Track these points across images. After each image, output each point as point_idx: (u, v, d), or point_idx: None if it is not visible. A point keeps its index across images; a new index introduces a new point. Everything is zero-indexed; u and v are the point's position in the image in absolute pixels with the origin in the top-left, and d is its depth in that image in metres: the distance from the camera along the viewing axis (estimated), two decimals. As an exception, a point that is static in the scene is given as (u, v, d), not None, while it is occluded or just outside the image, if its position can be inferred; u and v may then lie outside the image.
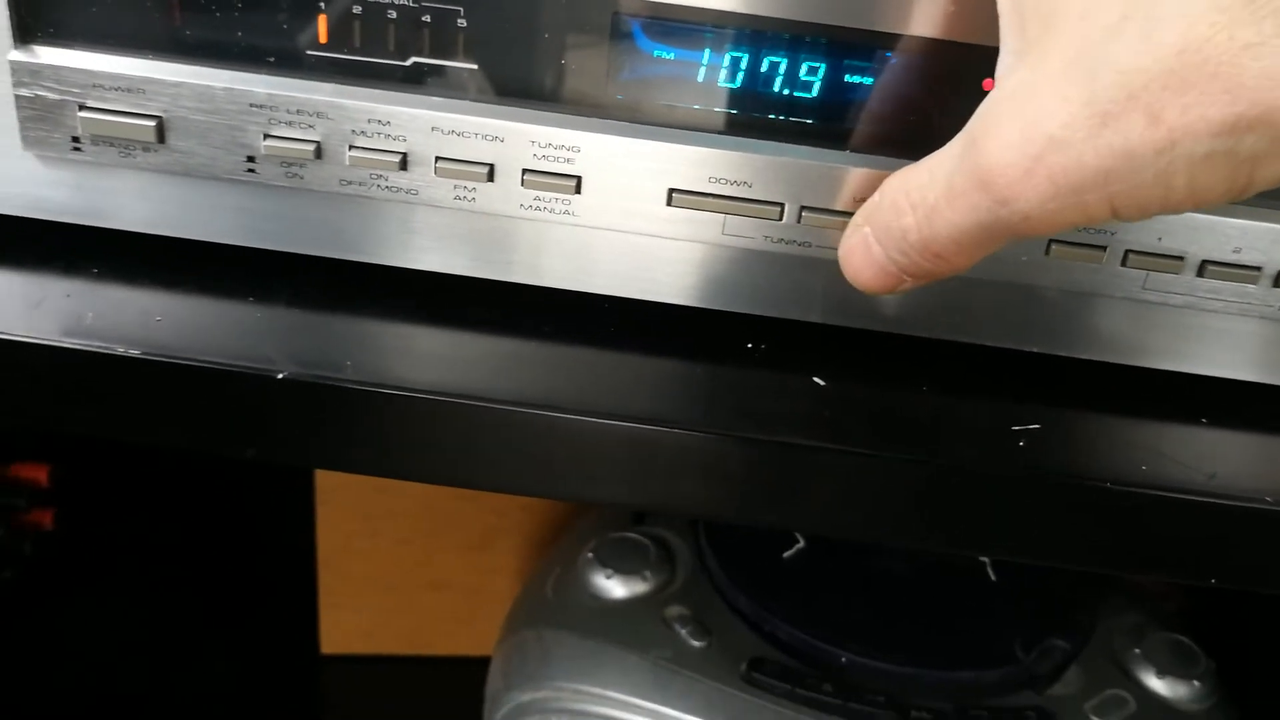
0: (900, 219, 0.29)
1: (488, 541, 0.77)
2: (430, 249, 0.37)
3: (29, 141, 0.35)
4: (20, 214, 0.37)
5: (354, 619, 0.81)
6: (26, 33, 0.34)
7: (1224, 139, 0.23)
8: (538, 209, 0.35)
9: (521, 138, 0.34)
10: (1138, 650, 0.57)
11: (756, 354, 0.37)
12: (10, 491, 0.68)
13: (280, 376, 0.33)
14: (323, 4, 0.33)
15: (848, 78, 0.34)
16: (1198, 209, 0.26)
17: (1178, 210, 0.25)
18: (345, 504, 0.76)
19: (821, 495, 0.35)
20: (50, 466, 0.69)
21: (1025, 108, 0.25)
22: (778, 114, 0.34)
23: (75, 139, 0.35)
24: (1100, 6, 0.24)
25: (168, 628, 0.79)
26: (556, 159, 0.34)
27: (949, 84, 0.33)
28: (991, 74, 0.32)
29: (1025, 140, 0.25)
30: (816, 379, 0.36)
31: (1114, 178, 0.24)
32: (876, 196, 0.30)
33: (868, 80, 0.33)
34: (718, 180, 0.34)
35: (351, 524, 0.77)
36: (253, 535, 0.79)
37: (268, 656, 0.84)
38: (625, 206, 0.35)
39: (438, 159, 0.34)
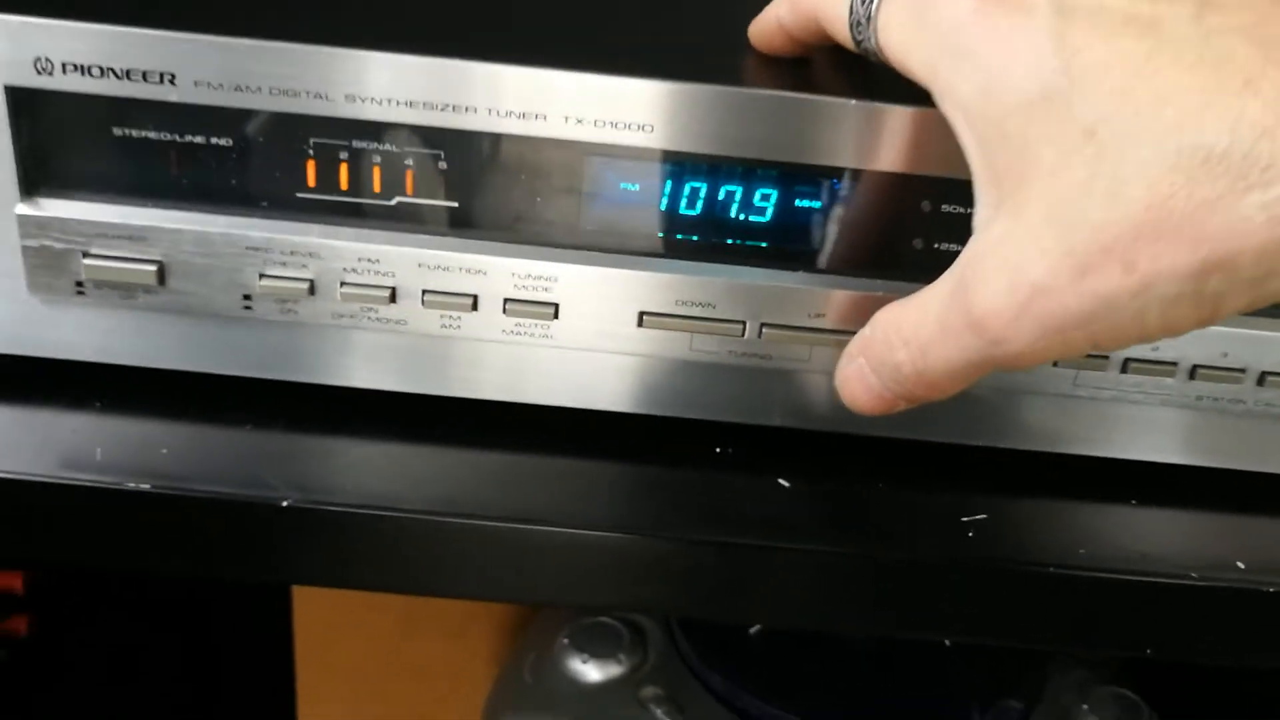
0: (894, 354, 0.32)
1: (464, 628, 0.79)
2: (417, 374, 0.39)
3: (35, 287, 0.37)
4: (25, 354, 0.39)
5: (333, 710, 0.82)
6: (32, 186, 0.36)
7: (1191, 282, 0.26)
8: (519, 334, 0.38)
9: (502, 270, 0.37)
10: (1085, 706, 0.60)
11: (725, 457, 0.40)
12: (-16, 599, 0.69)
13: (285, 504, 0.35)
14: (311, 150, 0.36)
15: (798, 203, 0.37)
16: (1170, 337, 0.29)
17: (1153, 340, 0.28)
18: (321, 596, 0.78)
19: (788, 590, 0.38)
20: (24, 574, 0.70)
21: (1010, 258, 0.28)
22: (736, 239, 0.37)
23: (79, 284, 0.37)
24: (1068, 165, 0.27)
25: (144, 727, 0.79)
26: (535, 288, 0.37)
27: (889, 209, 0.36)
28: (924, 200, 0.35)
29: (1013, 288, 0.28)
30: (781, 480, 0.39)
31: (1095, 318, 0.27)
32: (868, 330, 0.33)
33: (816, 205, 0.37)
34: (684, 303, 0.37)
35: (328, 615, 0.78)
36: (230, 629, 0.80)
37: (246, 751, 0.84)
38: (600, 329, 0.38)
39: (424, 292, 0.37)
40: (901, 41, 0.31)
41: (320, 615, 0.79)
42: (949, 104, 0.30)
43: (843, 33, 0.33)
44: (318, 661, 0.80)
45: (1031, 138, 0.27)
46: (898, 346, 0.31)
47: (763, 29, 0.37)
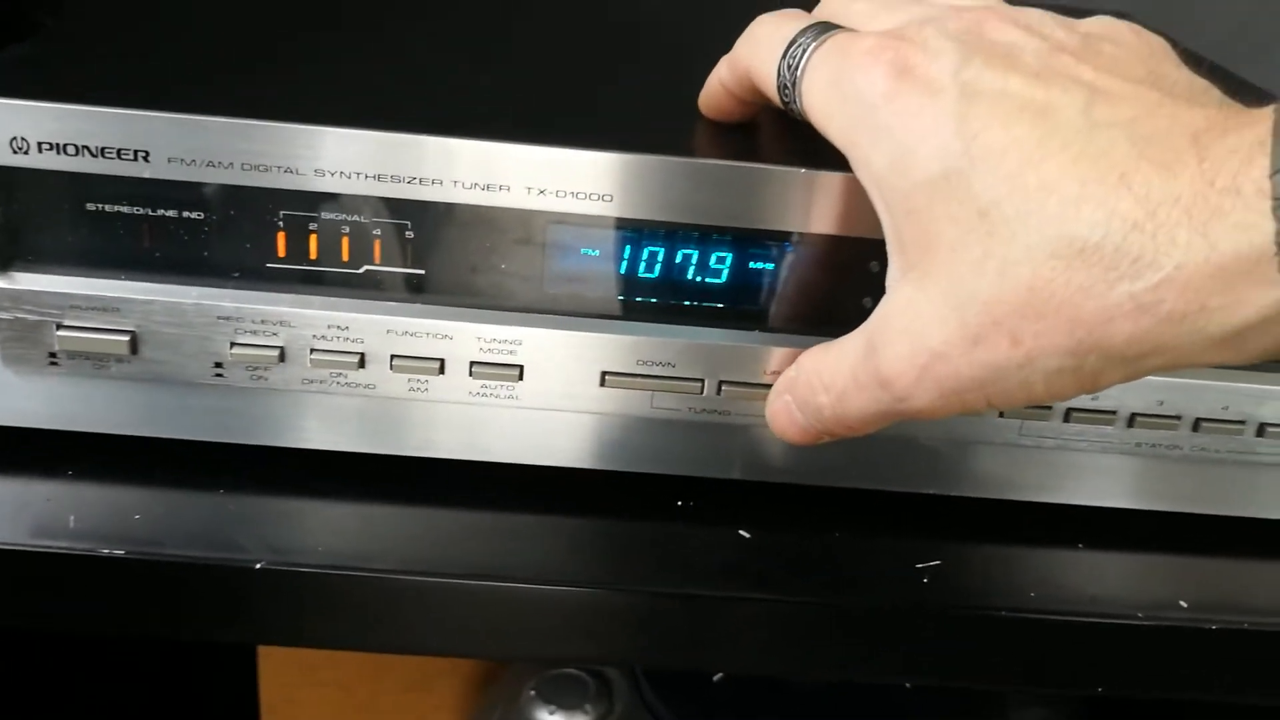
0: (815, 397, 0.34)
1: (428, 681, 0.79)
2: (385, 436, 0.40)
3: (8, 359, 0.38)
4: (-2, 423, 0.39)
5: (298, 767, 0.82)
6: (6, 260, 0.37)
7: (1070, 358, 0.28)
8: (485, 396, 0.39)
9: (468, 334, 0.38)
10: (1045, 744, 0.61)
11: (687, 510, 0.41)
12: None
13: (258, 566, 0.36)
14: (281, 222, 0.37)
15: (752, 265, 0.38)
16: (1058, 401, 0.31)
17: (1041, 403, 0.30)
18: (287, 654, 0.78)
19: (750, 639, 0.39)
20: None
21: (912, 325, 0.30)
22: (693, 300, 0.39)
23: (53, 354, 0.38)
24: (965, 243, 0.29)
25: (108, 791, 0.78)
26: (500, 351, 0.38)
27: (839, 270, 0.38)
28: (872, 261, 0.37)
29: (914, 353, 0.30)
30: (743, 531, 0.40)
31: (986, 384, 0.29)
32: (793, 371, 0.35)
33: (769, 268, 0.38)
34: (644, 362, 0.39)
35: (292, 673, 0.78)
36: (195, 686, 0.80)
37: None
38: (563, 389, 0.39)
39: (393, 357, 0.38)
40: (823, 109, 0.32)
41: (284, 673, 0.79)
42: (863, 173, 0.32)
43: (773, 94, 0.35)
44: (283, 717, 0.80)
45: (935, 214, 0.29)
46: (819, 390, 0.34)
47: (709, 93, 0.38)
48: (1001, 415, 0.40)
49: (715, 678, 0.61)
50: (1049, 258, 0.27)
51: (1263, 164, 0.26)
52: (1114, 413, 0.40)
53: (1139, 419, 0.40)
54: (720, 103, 0.38)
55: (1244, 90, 0.30)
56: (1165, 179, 0.26)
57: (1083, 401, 0.40)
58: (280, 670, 0.79)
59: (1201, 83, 0.30)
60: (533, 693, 0.59)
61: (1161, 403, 0.40)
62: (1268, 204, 0.25)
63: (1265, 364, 0.35)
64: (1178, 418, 0.40)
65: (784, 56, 0.34)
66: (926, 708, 0.61)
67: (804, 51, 0.33)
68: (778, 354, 0.38)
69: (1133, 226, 0.26)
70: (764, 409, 0.39)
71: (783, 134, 0.39)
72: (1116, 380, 0.29)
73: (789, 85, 0.34)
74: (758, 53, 0.35)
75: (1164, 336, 0.27)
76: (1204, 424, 0.40)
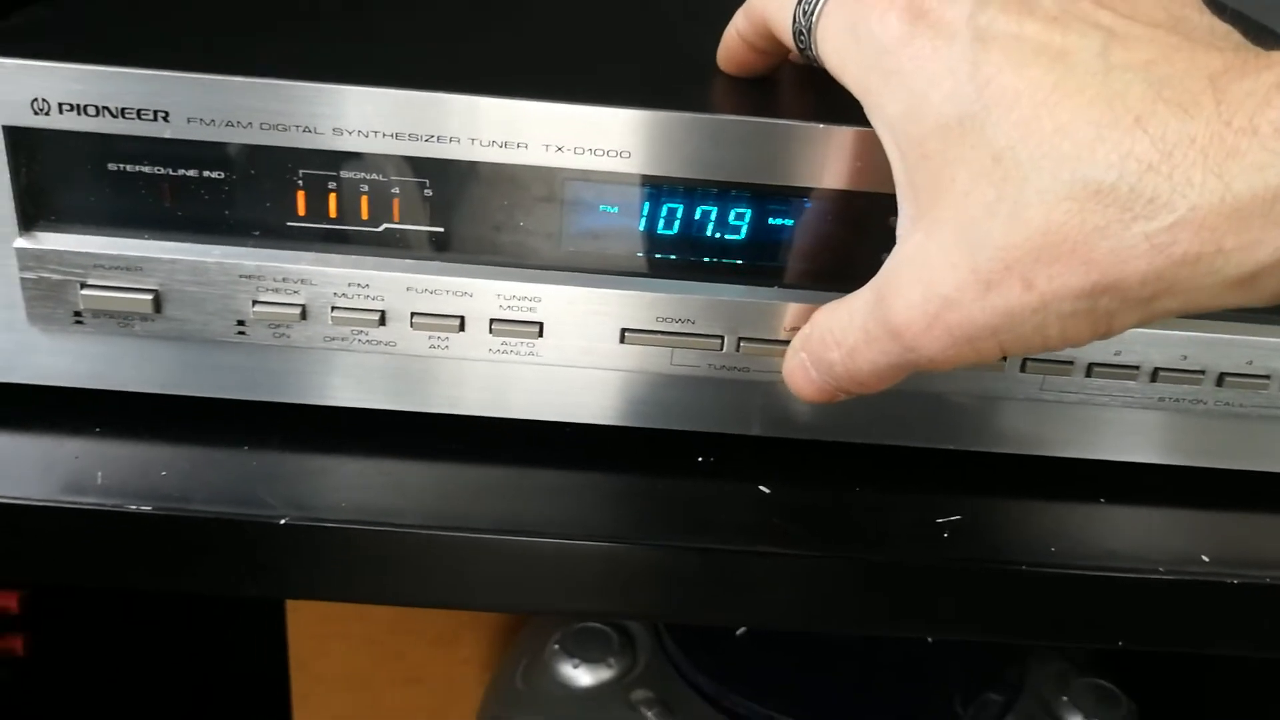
0: (828, 353, 0.34)
1: (455, 635, 0.80)
2: (406, 393, 0.40)
3: (34, 318, 0.38)
4: (25, 382, 0.40)
5: (327, 718, 0.83)
6: (30, 220, 0.37)
7: (1084, 300, 0.28)
8: (505, 353, 0.39)
9: (488, 291, 0.38)
10: (1065, 697, 0.61)
11: (707, 466, 0.41)
12: (-19, 620, 0.70)
13: (283, 521, 0.37)
14: (301, 181, 0.37)
15: (771, 222, 0.38)
16: (1072, 347, 0.30)
17: (1056, 349, 0.30)
18: (314, 606, 0.79)
19: (772, 593, 0.39)
20: (20, 593, 0.71)
21: (923, 272, 0.30)
22: (712, 257, 0.39)
23: (77, 313, 0.38)
24: (977, 188, 0.28)
25: (142, 741, 0.80)
26: (520, 308, 0.38)
27: (857, 226, 0.38)
28: (890, 215, 0.37)
29: (925, 300, 0.30)
30: (762, 487, 0.40)
31: (1000, 330, 0.29)
32: (808, 329, 0.35)
33: (788, 224, 0.38)
34: (664, 319, 0.39)
35: (321, 626, 0.79)
36: (224, 642, 0.81)
37: (243, 762, 0.85)
38: (583, 346, 0.39)
39: (413, 314, 0.38)
40: (837, 54, 0.32)
41: (312, 626, 0.80)
42: (877, 119, 0.31)
43: (789, 40, 0.35)
44: (311, 671, 0.81)
45: (948, 159, 0.29)
46: (831, 347, 0.33)
47: (727, 46, 0.38)
48: (1024, 369, 0.40)
49: (738, 632, 0.61)
50: (1063, 200, 0.27)
51: (1279, 104, 0.26)
52: (1137, 367, 0.40)
53: (1162, 374, 0.40)
54: (738, 54, 0.38)
55: (1265, 35, 0.29)
56: (1181, 120, 0.26)
57: (1106, 356, 0.39)
58: (308, 623, 0.80)
59: (1223, 27, 0.30)
60: (556, 646, 0.60)
61: (1185, 357, 0.40)
62: None
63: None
64: (1201, 372, 0.40)
65: (800, 2, 0.33)
66: (948, 662, 0.61)
67: None
68: (797, 310, 0.38)
69: (1148, 168, 0.26)
70: (783, 365, 0.39)
71: (802, 90, 0.39)
72: (1131, 323, 0.29)
73: (805, 31, 0.34)
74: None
75: (1179, 277, 0.27)
76: (1228, 378, 0.40)
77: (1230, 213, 0.26)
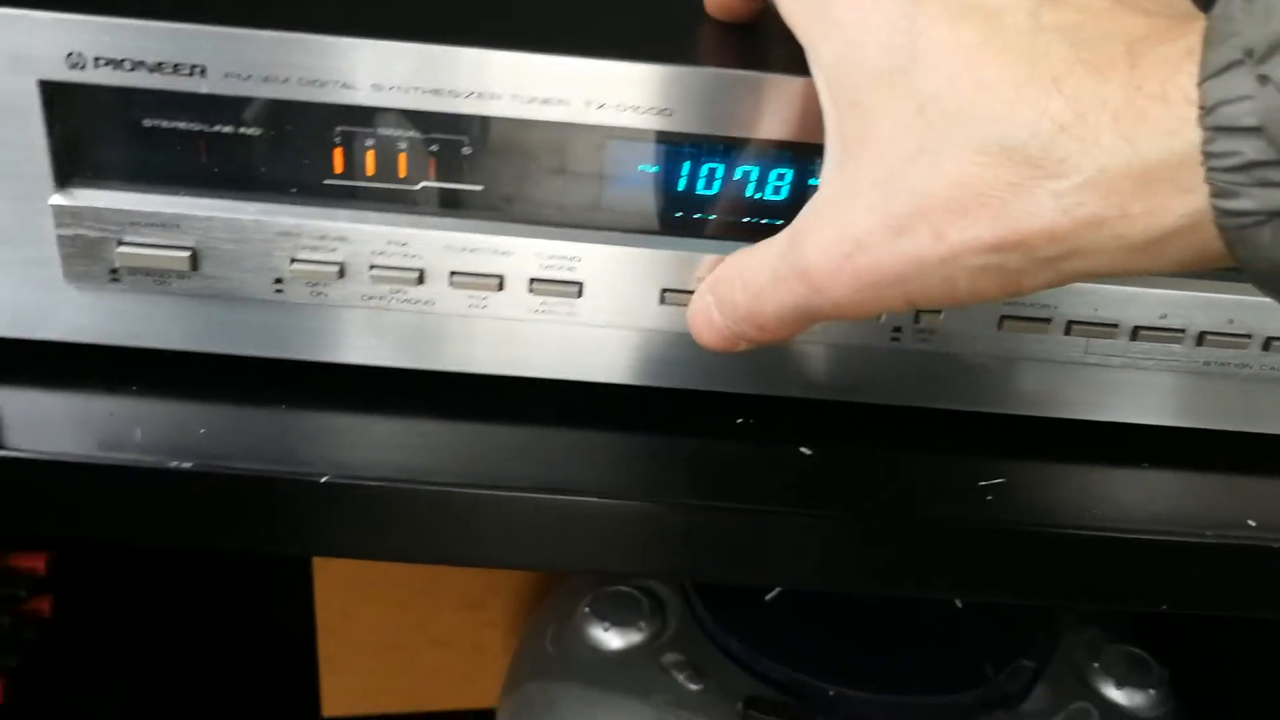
0: (734, 294, 0.34)
1: (483, 599, 0.80)
2: (444, 353, 0.40)
3: (70, 275, 0.38)
4: (61, 339, 0.40)
5: (354, 681, 0.83)
6: (66, 177, 0.37)
7: (993, 255, 0.28)
8: (544, 312, 0.39)
9: (527, 251, 0.38)
10: (1097, 664, 0.61)
11: (747, 428, 0.41)
12: (10, 581, 0.70)
13: (323, 480, 0.36)
14: (338, 138, 0.37)
15: (812, 182, 0.38)
16: (982, 303, 0.31)
17: (964, 304, 0.30)
18: (342, 569, 0.79)
19: (807, 555, 0.39)
20: (48, 555, 0.71)
21: (838, 214, 0.30)
22: (753, 217, 0.38)
23: (114, 271, 0.38)
24: (900, 137, 0.29)
25: (171, 701, 0.81)
26: (560, 268, 0.38)
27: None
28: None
29: (838, 241, 0.30)
30: (803, 449, 0.40)
31: (907, 278, 0.29)
32: (719, 270, 0.35)
33: (832, 182, 0.38)
34: (701, 279, 0.38)
35: (349, 588, 0.79)
36: (252, 604, 0.81)
37: (271, 723, 0.86)
38: (622, 306, 0.39)
39: (452, 273, 0.38)
40: (788, 3, 0.32)
41: (341, 589, 0.80)
42: (815, 66, 0.31)
43: None
44: (339, 634, 0.82)
45: (876, 108, 0.29)
46: (738, 288, 0.33)
47: None
48: (1068, 332, 0.39)
49: (768, 596, 0.61)
50: (977, 154, 0.27)
51: (1191, 71, 0.26)
52: (1183, 331, 0.39)
53: (1208, 337, 0.39)
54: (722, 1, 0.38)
55: None
56: (1097, 83, 0.27)
57: (1151, 319, 0.39)
58: (336, 587, 0.80)
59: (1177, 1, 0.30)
60: (587, 610, 0.60)
61: (1231, 321, 0.39)
62: (1193, 111, 0.25)
63: None
64: (1248, 336, 0.39)
65: None
66: (979, 627, 0.61)
67: None
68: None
69: (1060, 128, 0.27)
70: (823, 325, 0.39)
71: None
72: (1041, 284, 0.29)
73: None
74: None
75: (1084, 240, 0.27)
76: (1274, 343, 0.39)
77: (1137, 177, 0.26)
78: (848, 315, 0.31)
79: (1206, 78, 0.25)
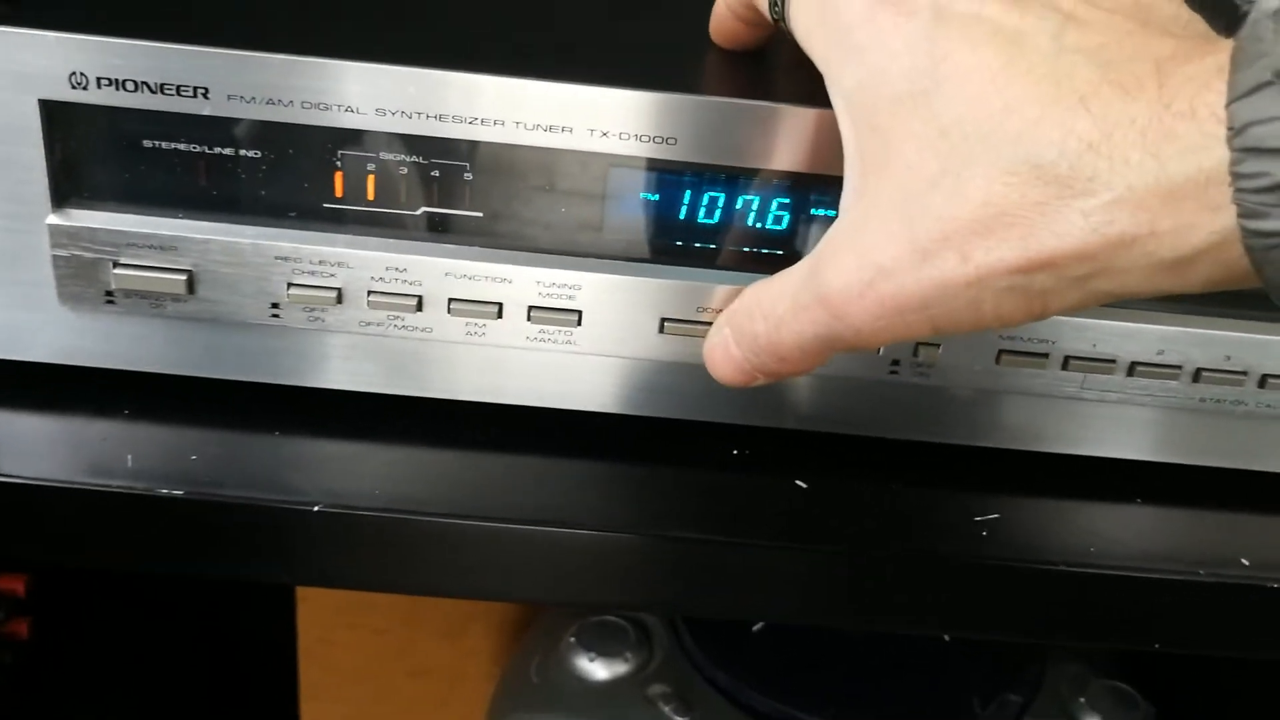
0: (753, 325, 0.33)
1: (464, 627, 0.80)
2: (441, 380, 0.40)
3: (65, 297, 0.38)
4: (54, 361, 0.39)
5: (335, 710, 0.83)
6: (63, 197, 0.37)
7: (1019, 277, 0.28)
8: (542, 341, 0.39)
9: (527, 278, 0.38)
10: (1083, 699, 0.61)
11: (742, 459, 0.41)
12: (-12, 604, 0.69)
13: (316, 509, 0.36)
14: (340, 162, 0.37)
15: (814, 212, 0.38)
16: (1005, 328, 0.30)
17: (987, 329, 0.30)
18: (325, 595, 0.78)
19: (806, 591, 0.39)
20: (27, 577, 0.70)
21: (860, 240, 0.30)
22: (754, 247, 0.38)
23: (109, 293, 0.38)
24: (923, 161, 0.29)
25: (147, 728, 0.79)
26: (559, 296, 0.38)
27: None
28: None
29: (859, 268, 0.30)
30: (799, 482, 0.40)
31: (932, 303, 0.29)
32: (737, 303, 0.35)
33: (832, 214, 0.38)
34: (704, 310, 0.38)
35: (330, 617, 0.79)
36: (233, 630, 0.81)
37: (249, 751, 0.85)
38: (621, 335, 0.38)
39: (451, 300, 0.38)
40: (805, 28, 0.32)
41: (323, 616, 0.79)
42: (835, 93, 0.31)
43: (766, 11, 0.35)
44: (320, 662, 0.81)
45: (897, 132, 0.29)
46: (758, 319, 0.33)
47: (716, 18, 0.38)
48: (1065, 367, 0.39)
49: (755, 627, 0.61)
50: (1004, 174, 0.27)
51: (1219, 89, 0.26)
52: (1179, 367, 0.39)
53: (1205, 374, 0.39)
54: (726, 26, 0.38)
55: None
56: (1124, 101, 0.27)
57: (1149, 355, 0.39)
58: (318, 613, 0.79)
59: (1189, 16, 0.30)
60: (573, 640, 0.60)
61: (1229, 358, 0.39)
62: (1221, 130, 0.25)
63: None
64: (1244, 373, 0.39)
65: None
66: (966, 661, 0.61)
67: None
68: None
69: (1088, 147, 0.27)
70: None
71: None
72: (1067, 305, 0.29)
73: (779, 2, 0.34)
74: None
75: (1113, 259, 0.27)
76: (1271, 380, 0.40)
77: (1165, 194, 0.26)
78: (870, 343, 0.31)
79: (1235, 98, 0.25)
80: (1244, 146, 0.25)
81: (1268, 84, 0.25)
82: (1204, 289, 0.28)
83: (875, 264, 0.29)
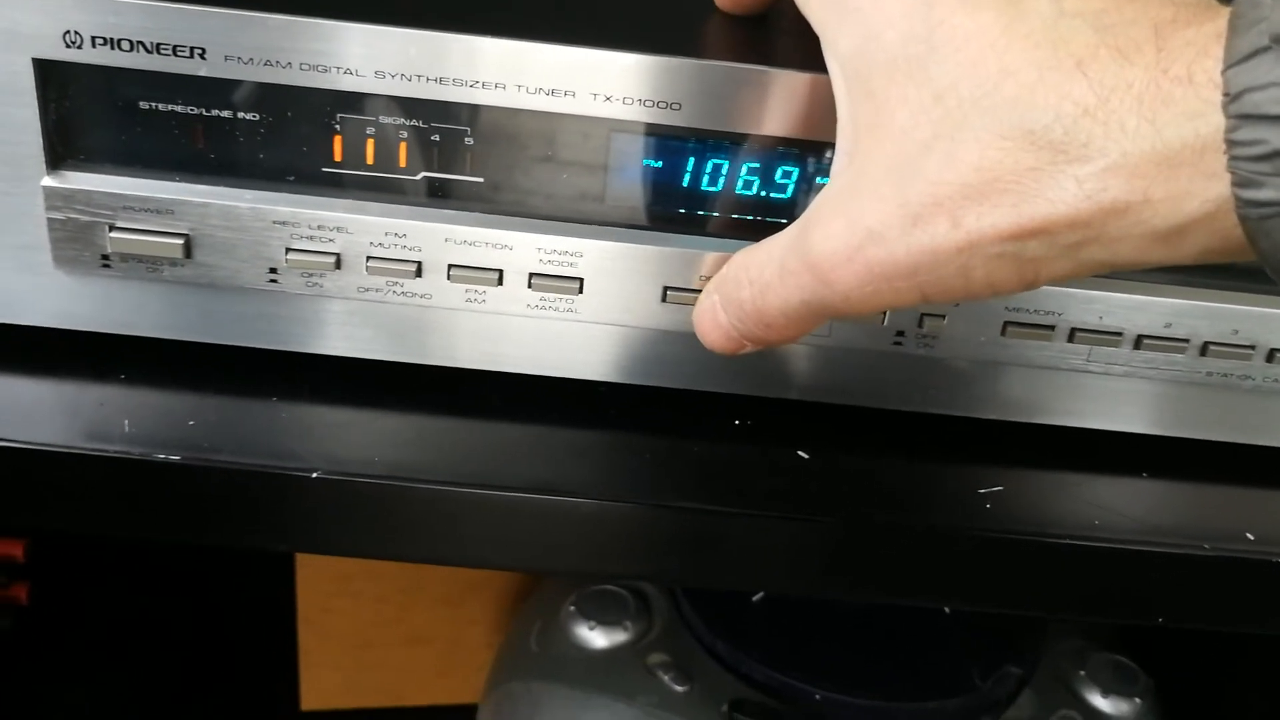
0: (740, 291, 0.33)
1: (463, 596, 0.80)
2: (440, 347, 0.39)
3: (60, 260, 0.37)
4: (49, 325, 0.39)
5: (334, 675, 0.83)
6: (59, 158, 0.36)
7: (1011, 243, 0.28)
8: (543, 308, 0.38)
9: (528, 245, 0.37)
10: (1083, 672, 0.61)
11: (744, 430, 0.40)
12: (-13, 568, 0.69)
13: (314, 475, 0.36)
14: (339, 126, 0.36)
15: (819, 180, 0.37)
16: (996, 297, 0.30)
17: (978, 298, 0.29)
18: (324, 564, 0.78)
19: (807, 562, 0.38)
20: (26, 541, 0.70)
21: (850, 204, 0.29)
22: (758, 215, 0.38)
23: (105, 257, 0.37)
24: (916, 125, 0.28)
25: (150, 692, 0.80)
26: (560, 263, 0.37)
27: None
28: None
29: (848, 232, 0.29)
30: (801, 452, 0.39)
31: (921, 269, 0.29)
32: (725, 268, 0.34)
33: (838, 183, 0.37)
34: (706, 278, 0.37)
35: (330, 584, 0.79)
36: (232, 597, 0.81)
37: (249, 716, 0.85)
38: (623, 303, 0.38)
39: (450, 266, 0.37)
40: None
41: (322, 584, 0.79)
42: (830, 56, 0.31)
43: None
44: (319, 630, 0.81)
45: (891, 96, 0.29)
46: (744, 284, 0.33)
47: None
48: (1072, 339, 0.39)
49: (755, 598, 0.61)
50: (998, 139, 0.27)
51: (1217, 54, 0.25)
52: (1187, 341, 0.39)
53: (1212, 348, 0.39)
54: None
55: None
56: (1121, 67, 0.26)
57: (1156, 329, 0.39)
58: (317, 581, 0.79)
59: None
60: (572, 608, 0.60)
61: (1236, 331, 0.39)
62: (1217, 96, 0.25)
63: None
64: (1252, 347, 0.39)
65: None
66: (966, 633, 0.61)
67: None
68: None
69: (1084, 112, 0.26)
70: (825, 327, 0.38)
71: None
72: (1058, 274, 0.28)
73: None
74: None
75: (1107, 227, 0.27)
76: (1277, 354, 0.39)
77: (1160, 160, 0.26)
78: (857, 310, 0.30)
79: (1232, 64, 0.25)
80: (1240, 113, 0.25)
81: (1265, 49, 0.24)
82: (1197, 260, 0.28)
83: (865, 228, 0.29)
